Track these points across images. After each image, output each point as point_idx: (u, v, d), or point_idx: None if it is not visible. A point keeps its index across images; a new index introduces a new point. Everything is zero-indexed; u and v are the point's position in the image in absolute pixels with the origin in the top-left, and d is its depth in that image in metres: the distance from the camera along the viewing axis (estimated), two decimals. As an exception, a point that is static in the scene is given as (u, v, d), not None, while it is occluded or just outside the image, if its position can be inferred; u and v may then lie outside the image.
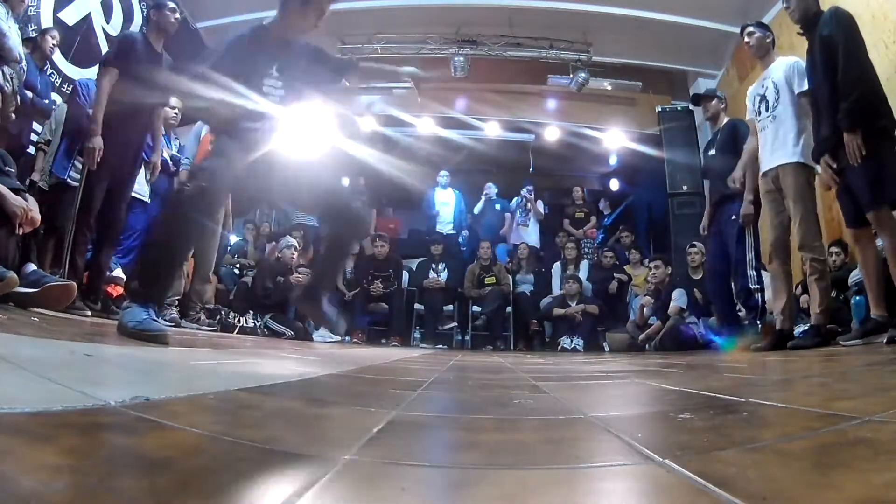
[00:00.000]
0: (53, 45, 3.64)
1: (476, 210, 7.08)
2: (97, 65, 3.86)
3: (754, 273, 3.44)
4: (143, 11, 4.94)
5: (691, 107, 6.42)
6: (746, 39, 3.27)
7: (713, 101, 3.99)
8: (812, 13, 2.68)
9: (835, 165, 2.64)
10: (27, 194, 2.44)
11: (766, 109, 3.10)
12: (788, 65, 3.02)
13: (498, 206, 7.02)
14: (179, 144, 4.34)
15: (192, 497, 0.37)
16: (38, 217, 2.36)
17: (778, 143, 3.02)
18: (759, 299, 3.47)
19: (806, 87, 2.89)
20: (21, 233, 2.30)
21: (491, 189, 7.06)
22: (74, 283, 2.40)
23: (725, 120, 3.91)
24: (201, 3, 5.78)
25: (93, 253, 3.24)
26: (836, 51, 2.47)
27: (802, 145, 2.94)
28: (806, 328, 3.14)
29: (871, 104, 2.44)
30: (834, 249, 4.21)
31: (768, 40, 3.19)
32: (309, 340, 4.70)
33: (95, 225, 3.17)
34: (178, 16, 3.38)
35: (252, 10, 6.14)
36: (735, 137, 3.69)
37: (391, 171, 4.14)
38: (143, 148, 3.47)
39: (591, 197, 7.62)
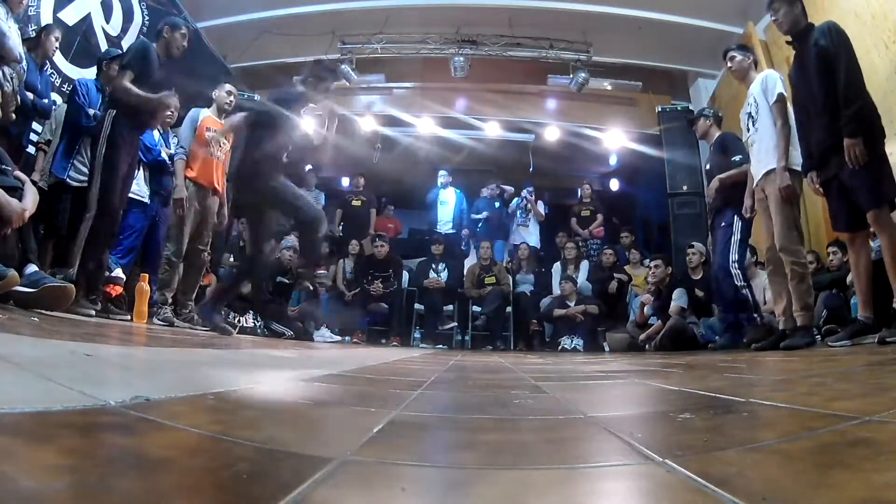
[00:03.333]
0: (56, 46, 3.63)
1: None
2: (96, 64, 3.87)
3: (738, 272, 3.70)
4: (143, 12, 4.94)
5: (687, 124, 6.42)
6: (729, 64, 3.44)
7: (699, 121, 4.24)
8: (802, 26, 2.79)
9: (818, 185, 2.78)
10: (30, 187, 2.42)
11: (753, 124, 3.25)
12: (762, 78, 3.20)
13: (497, 204, 7.02)
14: (178, 143, 4.33)
15: (193, 497, 0.37)
16: (31, 211, 2.33)
17: (762, 154, 3.17)
18: (748, 295, 3.74)
19: (776, 96, 3.04)
20: (15, 228, 2.28)
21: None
22: (72, 285, 2.40)
23: (717, 135, 4.11)
24: (201, 3, 5.78)
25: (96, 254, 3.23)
26: (834, 62, 2.57)
27: (781, 151, 3.05)
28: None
29: (870, 113, 2.54)
30: (831, 249, 4.23)
31: (748, 62, 3.38)
32: (309, 340, 4.71)
33: (100, 227, 3.16)
34: (186, 42, 3.39)
35: (252, 11, 6.17)
36: (724, 149, 3.92)
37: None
38: (137, 156, 3.47)
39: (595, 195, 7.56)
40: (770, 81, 3.12)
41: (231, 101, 4.13)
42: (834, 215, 2.79)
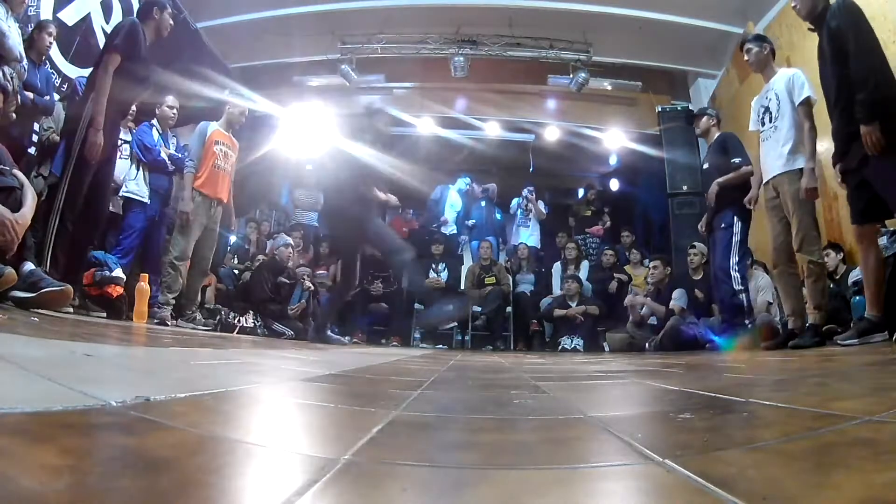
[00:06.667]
0: (50, 41, 3.61)
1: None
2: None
3: (738, 275, 3.65)
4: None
5: (686, 121, 6.42)
6: (746, 57, 3.37)
7: (703, 119, 4.18)
8: (820, 8, 2.69)
9: (839, 178, 2.72)
10: (29, 187, 2.40)
11: (770, 120, 3.20)
12: (789, 77, 3.12)
13: (483, 203, 7.04)
14: (178, 143, 4.33)
15: (193, 497, 0.37)
16: (29, 216, 2.30)
17: (778, 153, 3.13)
18: (744, 300, 3.70)
19: (804, 96, 2.99)
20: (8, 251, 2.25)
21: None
22: (70, 287, 2.40)
23: (717, 134, 4.07)
24: (201, 3, 5.78)
25: (72, 248, 3.22)
26: (845, 43, 2.47)
27: (801, 153, 3.04)
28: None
29: (888, 95, 2.40)
30: (826, 251, 4.23)
31: (766, 53, 3.29)
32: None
33: (79, 221, 3.15)
34: (172, 22, 3.44)
35: (252, 11, 6.16)
36: (725, 149, 3.88)
37: (395, 171, 4.22)
38: (118, 141, 3.48)
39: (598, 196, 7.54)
40: (797, 81, 3.05)
41: (243, 121, 4.25)
42: (852, 205, 2.70)
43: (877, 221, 2.64)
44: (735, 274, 3.64)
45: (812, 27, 2.78)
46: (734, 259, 3.65)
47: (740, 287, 3.66)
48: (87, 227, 3.23)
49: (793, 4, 2.84)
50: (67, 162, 3.07)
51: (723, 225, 3.75)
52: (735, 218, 3.66)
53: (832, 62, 2.56)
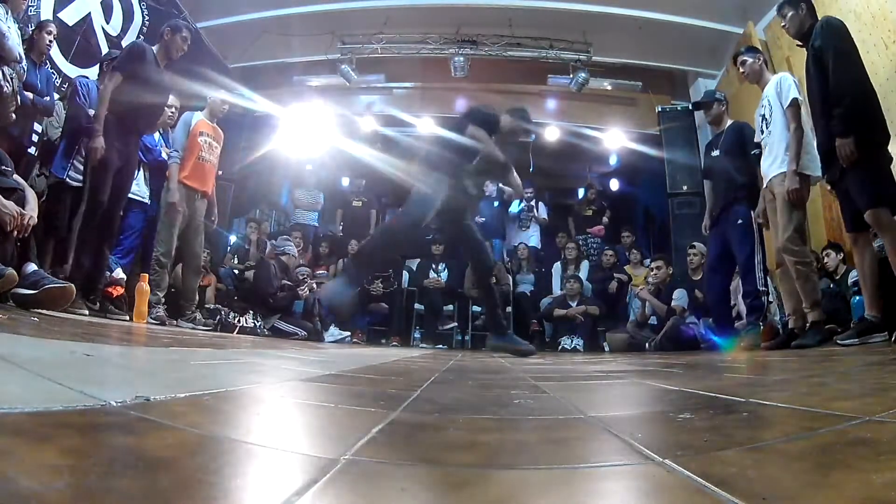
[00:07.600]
0: (50, 40, 3.60)
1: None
2: (98, 64, 3.86)
3: (762, 275, 3.54)
4: (143, 12, 4.94)
5: (691, 107, 6.42)
6: (741, 69, 3.40)
7: (713, 105, 3.95)
8: (807, 27, 2.77)
9: (829, 187, 2.82)
10: (29, 190, 2.41)
11: (766, 126, 3.23)
12: (777, 81, 3.17)
13: (496, 204, 7.01)
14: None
15: (193, 497, 0.37)
16: (34, 219, 2.33)
17: (773, 156, 3.16)
18: (765, 301, 3.61)
19: (791, 98, 3.02)
20: (17, 236, 2.28)
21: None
22: (72, 285, 2.40)
23: (729, 122, 3.92)
24: (201, 3, 5.78)
25: (92, 253, 3.24)
26: (827, 61, 2.57)
27: (792, 155, 3.04)
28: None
29: (863, 110, 2.52)
30: (826, 251, 4.24)
31: (759, 64, 3.33)
32: (320, 340, 4.74)
33: (100, 225, 3.18)
34: (187, 45, 3.43)
35: (252, 11, 6.17)
36: (742, 139, 3.74)
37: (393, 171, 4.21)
38: (138, 150, 3.50)
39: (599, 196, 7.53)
40: (784, 84, 3.09)
41: (226, 109, 4.18)
42: (843, 214, 2.79)
43: (865, 229, 2.68)
44: (759, 274, 3.51)
45: (801, 44, 2.87)
46: (758, 257, 3.51)
47: (764, 288, 3.55)
48: (108, 231, 3.25)
49: (783, 24, 2.92)
50: (87, 167, 3.13)
51: (739, 221, 3.59)
52: (751, 213, 3.54)
53: (817, 79, 2.65)
